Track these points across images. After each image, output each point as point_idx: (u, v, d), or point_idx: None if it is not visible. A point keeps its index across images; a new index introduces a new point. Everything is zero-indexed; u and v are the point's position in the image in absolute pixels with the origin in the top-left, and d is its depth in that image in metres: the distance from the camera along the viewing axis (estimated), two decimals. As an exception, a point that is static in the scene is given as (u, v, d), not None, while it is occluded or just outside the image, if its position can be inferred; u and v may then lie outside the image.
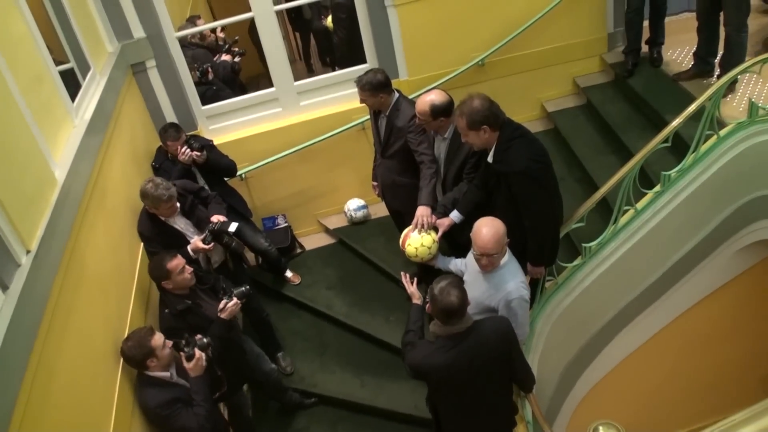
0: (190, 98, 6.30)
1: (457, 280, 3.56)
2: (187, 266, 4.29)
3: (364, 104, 5.00)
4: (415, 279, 4.25)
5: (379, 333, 5.87)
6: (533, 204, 4.11)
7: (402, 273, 4.44)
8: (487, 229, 3.80)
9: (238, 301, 4.30)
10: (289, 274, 6.45)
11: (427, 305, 3.57)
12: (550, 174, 4.18)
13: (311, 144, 6.48)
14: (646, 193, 5.22)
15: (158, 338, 3.81)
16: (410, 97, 5.56)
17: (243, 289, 4.36)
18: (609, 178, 4.93)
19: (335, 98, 6.59)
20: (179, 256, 4.28)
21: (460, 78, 6.56)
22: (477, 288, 4.04)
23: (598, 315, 5.69)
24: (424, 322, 4.05)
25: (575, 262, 5.30)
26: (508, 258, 3.94)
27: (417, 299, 4.14)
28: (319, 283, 6.47)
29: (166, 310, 4.30)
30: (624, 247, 5.30)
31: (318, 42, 8.97)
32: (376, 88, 4.83)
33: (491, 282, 3.95)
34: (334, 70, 7.01)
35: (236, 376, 4.65)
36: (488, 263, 3.88)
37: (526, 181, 4.02)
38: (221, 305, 4.26)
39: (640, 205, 5.23)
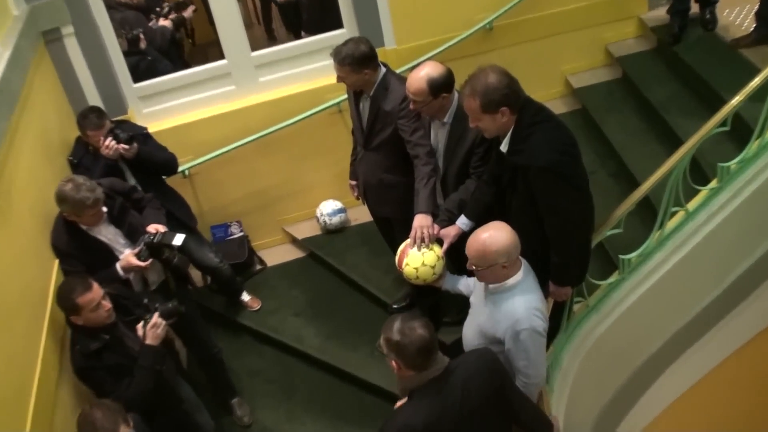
0: (119, 73, 6.29)
1: (407, 314, 3.64)
2: (104, 301, 4.23)
3: (342, 83, 5.00)
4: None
5: (361, 371, 5.87)
6: (559, 207, 4.12)
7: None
8: (489, 234, 3.86)
9: (162, 322, 4.33)
10: (245, 297, 6.47)
11: (392, 364, 3.57)
12: (579, 168, 4.20)
13: (273, 131, 6.49)
14: (700, 191, 5.25)
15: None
16: (398, 72, 5.50)
17: (170, 305, 4.41)
18: (652, 172, 4.96)
19: (303, 73, 6.60)
20: (95, 287, 4.20)
21: (462, 46, 6.56)
22: (482, 312, 4.08)
23: (640, 346, 5.71)
24: None
25: (611, 279, 5.32)
26: (522, 276, 3.96)
27: None
28: (284, 308, 6.45)
29: (77, 347, 4.26)
30: (672, 259, 5.33)
31: (281, 1, 8.96)
32: (359, 62, 4.81)
33: (498, 306, 3.98)
34: (301, 37, 7.05)
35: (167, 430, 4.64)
36: (480, 277, 3.96)
37: (550, 178, 4.03)
38: (139, 328, 4.31)
39: (691, 205, 5.26)
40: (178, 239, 4.82)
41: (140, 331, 4.30)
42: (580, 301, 5.23)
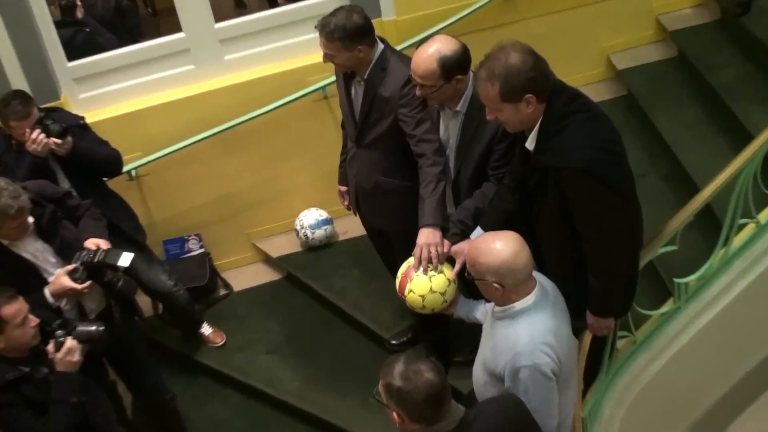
0: (49, 49, 6.25)
1: (411, 353, 3.66)
2: (31, 315, 4.28)
3: (330, 62, 5.00)
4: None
5: (352, 424, 5.86)
6: (599, 218, 4.11)
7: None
8: (487, 243, 3.90)
9: (78, 346, 4.33)
10: (206, 330, 6.50)
11: (393, 416, 3.57)
12: (624, 170, 4.18)
13: (242, 122, 6.49)
14: (775, 198, 5.23)
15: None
16: (399, 49, 5.56)
17: (92, 328, 4.44)
18: (715, 174, 4.94)
19: (280, 50, 6.59)
20: (20, 298, 4.26)
21: (477, 17, 6.54)
22: (486, 343, 4.12)
23: (701, 394, 5.71)
24: None
25: (664, 309, 5.29)
26: (533, 301, 3.94)
27: None
28: (255, 344, 6.47)
29: None
30: (740, 282, 5.31)
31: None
32: (351, 36, 4.78)
33: (500, 334, 3.99)
34: (277, 5, 7.15)
35: None
36: (480, 290, 4.01)
37: (588, 183, 4.00)
38: (49, 350, 4.32)
39: (763, 216, 5.25)
40: (125, 259, 4.78)
41: (51, 354, 4.32)
42: (625, 336, 5.19)
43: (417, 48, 4.63)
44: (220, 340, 6.43)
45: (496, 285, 3.83)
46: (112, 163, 5.64)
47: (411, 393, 3.42)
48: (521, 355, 3.82)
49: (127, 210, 5.88)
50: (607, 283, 4.28)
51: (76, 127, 5.49)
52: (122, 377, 5.53)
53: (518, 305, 3.89)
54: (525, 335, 3.85)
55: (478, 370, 4.17)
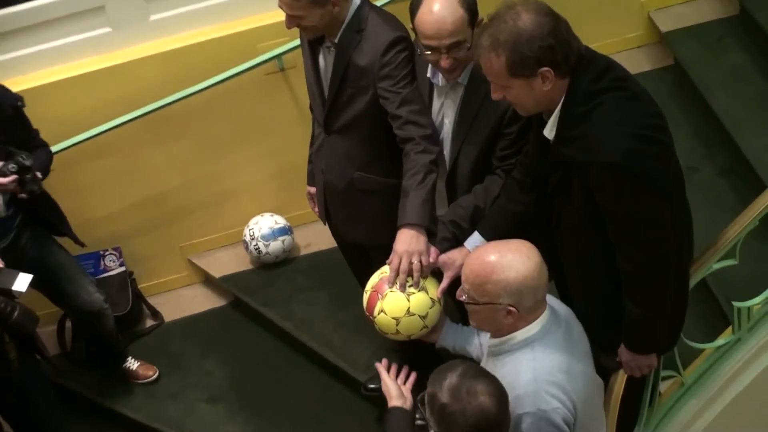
0: None
1: (476, 366, 3.77)
2: None
3: (294, 27, 4.98)
4: (402, 371, 4.39)
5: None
6: (640, 226, 4.13)
7: (378, 364, 4.49)
8: (500, 254, 3.91)
9: None
10: (132, 364, 6.64)
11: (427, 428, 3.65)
12: (671, 164, 4.20)
13: (174, 102, 6.56)
14: None
15: None
16: (380, 5, 5.63)
17: None
18: None
19: (220, 7, 6.67)
20: None
21: None
22: None
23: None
24: None
25: (720, 341, 5.32)
26: (539, 330, 3.99)
27: (399, 400, 4.24)
28: (192, 389, 6.57)
29: None
30: (817, 307, 5.39)
31: None
32: None
33: (498, 372, 3.96)
34: None
35: None
36: (470, 315, 4.03)
37: (624, 181, 3.99)
38: None
39: None
40: (22, 282, 4.89)
41: None
42: (670, 376, 5.20)
43: (416, 8, 4.57)
44: (152, 373, 6.57)
45: (510, 309, 3.82)
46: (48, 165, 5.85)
47: (455, 415, 3.54)
48: (522, 400, 3.82)
49: (55, 206, 6.03)
50: (651, 310, 4.27)
51: (9, 107, 5.62)
52: (16, 428, 5.56)
53: (519, 335, 3.93)
54: (527, 373, 3.87)
55: None
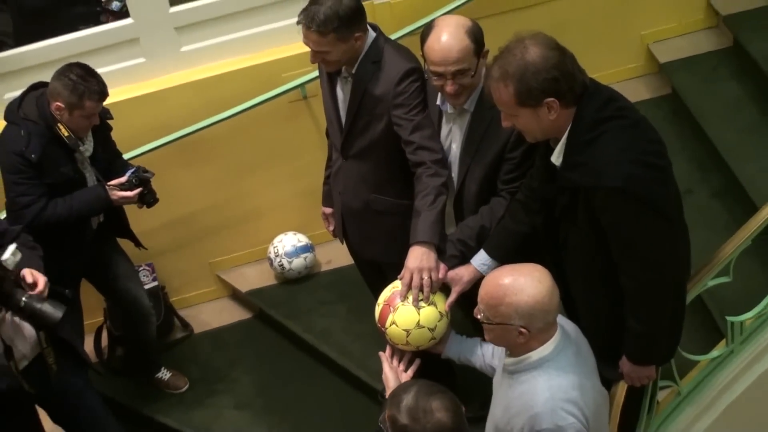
0: None
1: (426, 383, 3.64)
2: None
3: (316, 61, 5.02)
4: (404, 358, 4.46)
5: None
6: (641, 247, 4.10)
7: (381, 353, 4.55)
8: (513, 278, 3.82)
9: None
10: (165, 375, 6.57)
11: None
12: (670, 187, 4.20)
13: (203, 128, 6.49)
14: None
15: None
16: (394, 38, 5.67)
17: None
18: None
19: (248, 40, 6.62)
20: None
21: (488, 0, 6.57)
22: (498, 402, 4.09)
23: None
24: None
25: (714, 353, 5.27)
26: (552, 350, 3.91)
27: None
28: (220, 396, 6.50)
29: None
30: (808, 321, 5.40)
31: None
32: (348, 23, 4.77)
33: (516, 391, 3.95)
34: None
35: None
36: (486, 333, 3.96)
37: (627, 204, 4.01)
38: None
39: None
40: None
41: None
42: (667, 386, 5.17)
43: (426, 36, 4.59)
44: (183, 384, 6.51)
45: (522, 330, 3.77)
46: None
47: None
48: (540, 417, 3.79)
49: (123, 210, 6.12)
50: (652, 325, 4.27)
51: (105, 120, 5.71)
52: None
53: (535, 355, 3.87)
54: (544, 392, 3.83)
55: None
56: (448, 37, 4.47)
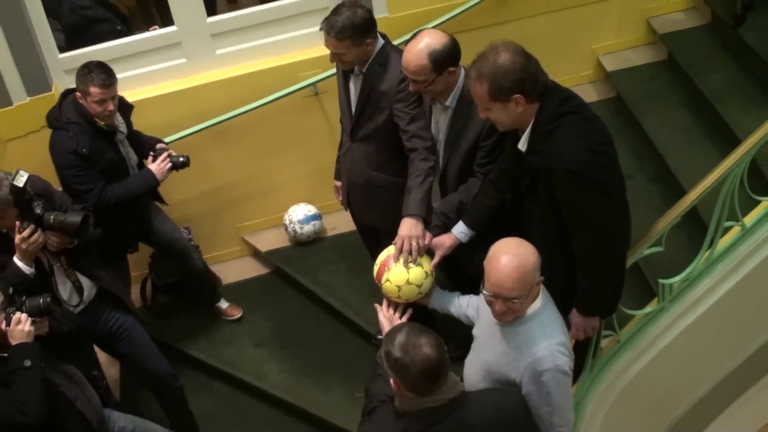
0: (40, 41, 6.22)
1: (415, 325, 3.67)
2: None
3: (335, 61, 5.08)
4: (399, 307, 4.51)
5: (336, 417, 5.93)
6: (589, 219, 4.18)
7: (376, 305, 4.60)
8: (509, 257, 3.79)
9: (27, 319, 4.49)
10: (223, 304, 6.73)
11: (391, 382, 3.65)
12: (615, 171, 4.27)
13: (233, 117, 6.55)
14: (760, 202, 5.26)
15: None
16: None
17: (40, 300, 4.58)
18: (702, 177, 4.97)
19: (272, 45, 6.65)
20: None
21: (471, 16, 6.63)
22: (490, 348, 4.08)
23: (682, 393, 5.75)
24: None
25: (647, 309, 5.35)
26: (541, 304, 3.97)
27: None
28: (242, 337, 6.55)
29: None
30: (724, 285, 5.36)
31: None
32: (361, 32, 4.86)
33: (512, 341, 3.96)
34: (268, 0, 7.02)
35: None
36: (505, 310, 3.87)
37: (579, 184, 4.08)
38: (2, 327, 4.50)
39: (749, 219, 5.26)
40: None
41: (3, 329, 4.50)
42: (609, 335, 5.23)
43: (406, 44, 4.70)
44: (237, 313, 6.66)
45: (538, 289, 3.87)
46: None
47: (407, 365, 3.49)
48: (543, 360, 3.84)
49: None
50: (597, 283, 4.34)
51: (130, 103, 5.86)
52: (124, 363, 5.94)
53: (529, 310, 3.91)
54: (542, 339, 3.87)
55: (472, 375, 4.17)
56: (412, 53, 4.58)
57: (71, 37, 6.70)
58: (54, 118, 5.61)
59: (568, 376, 3.93)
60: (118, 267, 6.04)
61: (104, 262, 5.50)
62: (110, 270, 5.52)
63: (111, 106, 5.48)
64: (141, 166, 5.90)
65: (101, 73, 5.40)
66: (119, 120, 5.71)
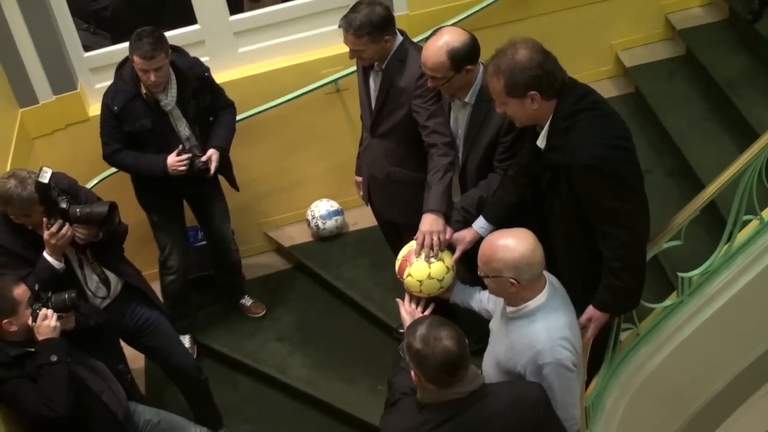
0: (66, 40, 6.25)
1: (437, 317, 3.70)
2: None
3: (355, 57, 5.07)
4: (421, 302, 4.50)
5: (359, 409, 5.94)
6: (618, 215, 4.18)
7: (397, 299, 4.60)
8: (503, 240, 3.91)
9: (53, 314, 4.53)
10: (247, 301, 6.74)
11: (412, 374, 3.66)
12: (634, 166, 4.25)
13: (255, 114, 6.54)
14: (779, 195, 5.18)
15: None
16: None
17: (65, 296, 4.61)
18: (720, 171, 4.96)
19: (293, 43, 6.65)
20: (23, 285, 4.57)
21: (490, 13, 6.61)
22: (500, 342, 4.13)
23: (701, 386, 5.74)
24: None
25: (666, 302, 5.34)
26: (545, 299, 3.99)
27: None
28: (265, 331, 6.57)
29: None
30: (742, 278, 5.34)
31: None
32: (379, 28, 4.85)
33: (516, 334, 4.00)
34: None
35: None
36: (489, 287, 4.04)
37: (598, 180, 4.09)
38: (29, 322, 4.54)
39: (767, 213, 5.24)
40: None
41: (30, 325, 4.55)
42: (628, 328, 5.22)
43: (426, 41, 4.70)
44: (261, 310, 6.67)
45: (512, 281, 3.84)
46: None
47: (428, 357, 3.49)
48: (543, 353, 3.86)
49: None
50: (631, 280, 4.33)
51: (195, 79, 5.72)
52: (150, 357, 5.88)
53: (532, 304, 3.92)
54: (543, 332, 3.89)
55: (489, 369, 4.18)
56: (431, 50, 4.59)
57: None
58: (118, 67, 5.70)
59: (570, 371, 3.94)
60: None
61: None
62: (133, 267, 5.52)
63: (153, 77, 5.41)
64: (204, 144, 5.84)
65: (146, 43, 5.32)
66: (171, 93, 5.64)
